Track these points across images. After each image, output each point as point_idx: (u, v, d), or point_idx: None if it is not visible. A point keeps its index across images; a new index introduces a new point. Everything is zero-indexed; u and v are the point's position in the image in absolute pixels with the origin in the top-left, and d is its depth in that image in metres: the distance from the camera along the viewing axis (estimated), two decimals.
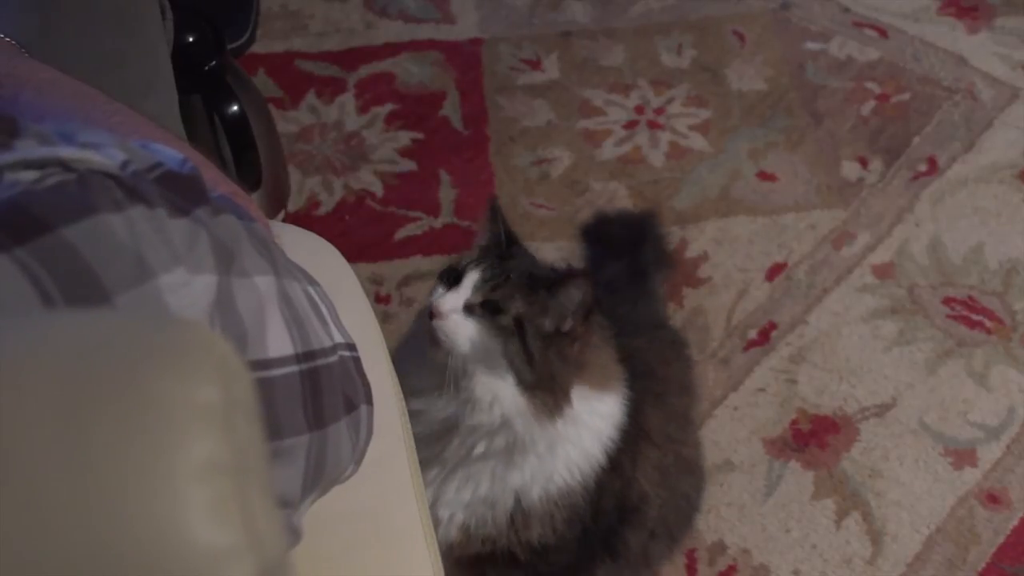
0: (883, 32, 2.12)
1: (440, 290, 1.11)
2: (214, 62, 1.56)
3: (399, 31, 2.14)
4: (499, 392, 1.08)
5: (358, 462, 0.74)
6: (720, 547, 1.47)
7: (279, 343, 0.63)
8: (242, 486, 0.42)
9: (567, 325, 1.10)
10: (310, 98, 2.02)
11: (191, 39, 1.53)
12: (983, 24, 2.12)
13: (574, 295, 1.09)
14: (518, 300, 1.08)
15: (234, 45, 2.01)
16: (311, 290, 0.71)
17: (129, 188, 0.54)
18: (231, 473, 0.42)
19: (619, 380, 1.19)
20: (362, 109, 2.00)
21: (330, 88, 2.04)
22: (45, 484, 0.39)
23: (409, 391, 1.08)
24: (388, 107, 2.00)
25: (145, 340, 0.43)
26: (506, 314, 1.07)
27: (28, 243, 0.49)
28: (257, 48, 2.10)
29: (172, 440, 0.41)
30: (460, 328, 1.07)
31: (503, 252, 1.14)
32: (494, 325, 1.07)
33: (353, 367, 0.73)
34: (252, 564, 0.41)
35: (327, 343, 0.69)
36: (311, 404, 0.64)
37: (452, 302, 1.08)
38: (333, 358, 0.69)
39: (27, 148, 0.54)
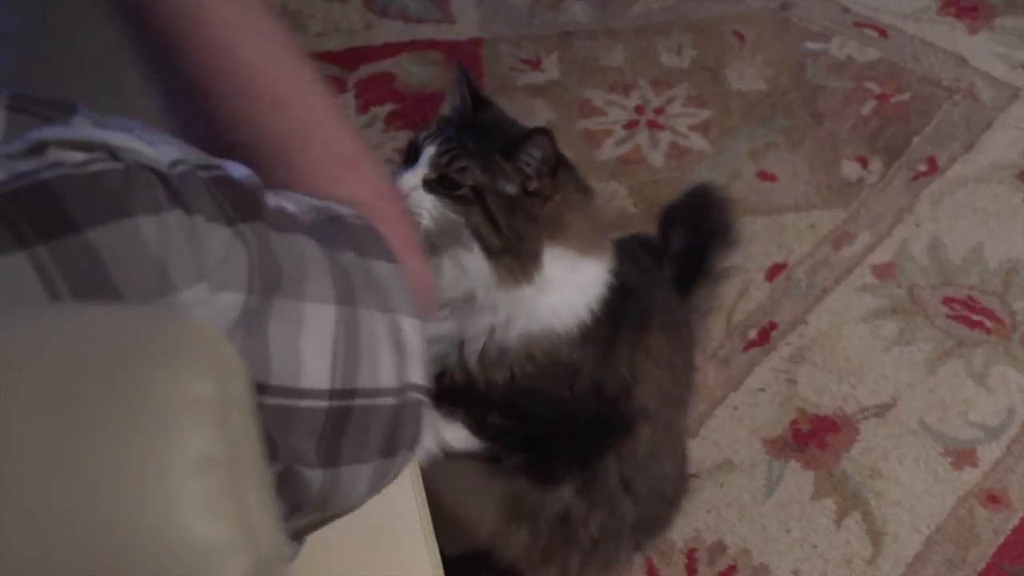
0: (883, 32, 2.11)
1: (400, 168, 1.11)
2: None
3: (399, 31, 2.14)
4: (465, 262, 1.08)
5: (369, 498, 0.70)
6: (720, 547, 1.47)
7: (315, 376, 0.58)
8: (237, 481, 0.42)
9: (532, 185, 1.09)
10: None
11: None
12: (983, 24, 2.12)
13: (534, 153, 1.07)
14: (474, 170, 1.07)
15: None
16: (407, 322, 0.64)
17: (173, 189, 0.52)
18: (226, 468, 0.41)
19: (603, 248, 1.15)
20: (362, 109, 2.00)
21: (330, 88, 2.03)
22: (38, 478, 0.39)
23: None
24: (388, 107, 2.00)
25: (139, 334, 0.43)
26: (463, 186, 1.07)
27: (51, 241, 0.47)
28: None
29: (166, 434, 0.40)
30: (421, 204, 1.07)
31: (466, 120, 1.13)
32: (452, 198, 1.07)
33: (417, 411, 0.67)
34: (247, 559, 0.41)
35: (383, 384, 0.63)
36: (326, 442, 0.60)
37: (411, 180, 1.08)
38: (386, 400, 0.63)
39: (81, 127, 0.52)
